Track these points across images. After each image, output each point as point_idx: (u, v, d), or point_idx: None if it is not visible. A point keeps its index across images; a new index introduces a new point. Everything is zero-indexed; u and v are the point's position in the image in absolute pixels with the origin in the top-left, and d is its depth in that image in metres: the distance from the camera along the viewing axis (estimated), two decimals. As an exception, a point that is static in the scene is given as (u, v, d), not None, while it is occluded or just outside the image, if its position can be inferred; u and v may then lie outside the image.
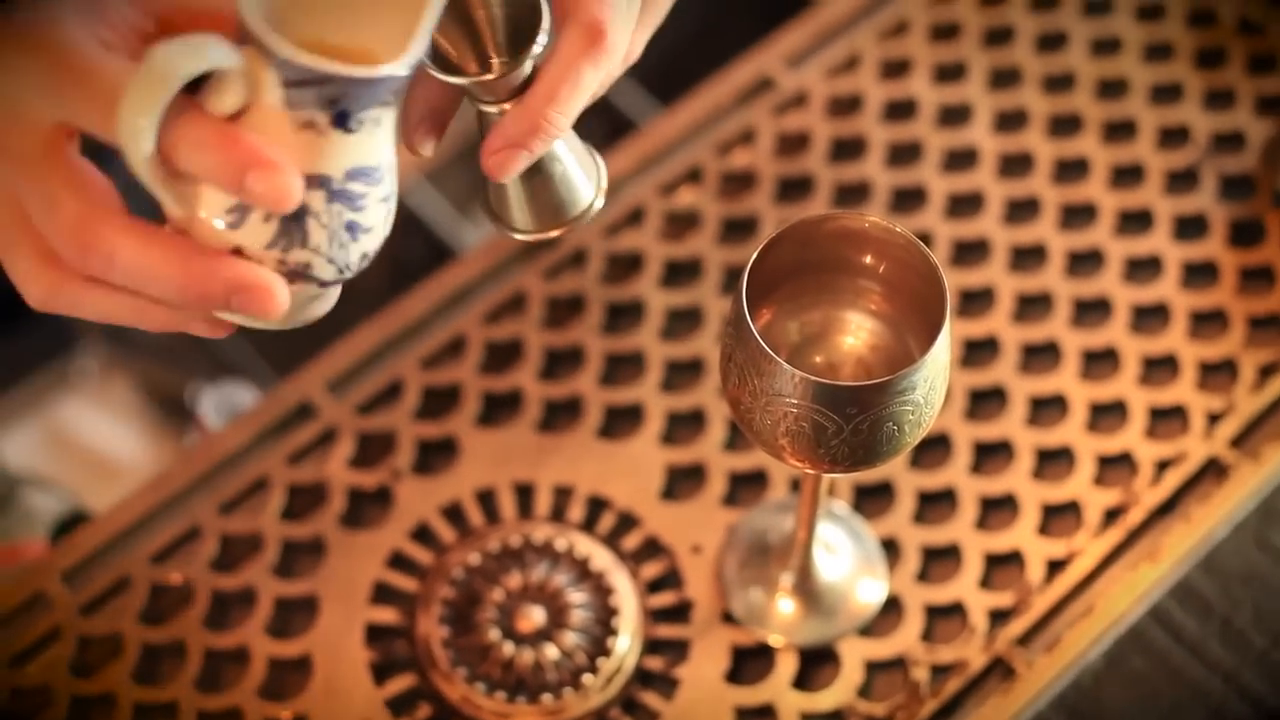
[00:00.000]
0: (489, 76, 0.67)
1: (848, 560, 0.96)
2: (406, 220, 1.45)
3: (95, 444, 1.47)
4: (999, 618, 0.95)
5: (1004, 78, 1.16)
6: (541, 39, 0.67)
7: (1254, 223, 1.09)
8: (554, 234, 0.75)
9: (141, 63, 0.57)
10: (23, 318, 1.43)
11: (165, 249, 0.61)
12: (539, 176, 0.72)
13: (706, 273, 1.07)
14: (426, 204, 1.48)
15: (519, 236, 0.75)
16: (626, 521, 0.99)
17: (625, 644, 0.94)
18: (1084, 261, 1.08)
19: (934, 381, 0.74)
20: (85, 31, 0.61)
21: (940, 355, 0.73)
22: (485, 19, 0.69)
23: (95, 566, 0.97)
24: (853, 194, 1.11)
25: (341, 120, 0.61)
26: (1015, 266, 1.08)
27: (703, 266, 1.08)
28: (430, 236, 1.47)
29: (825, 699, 0.93)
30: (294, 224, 0.62)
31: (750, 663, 0.95)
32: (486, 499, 1.00)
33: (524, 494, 1.00)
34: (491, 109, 0.69)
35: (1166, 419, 1.02)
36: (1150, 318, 1.06)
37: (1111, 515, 0.98)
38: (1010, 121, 1.14)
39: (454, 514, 0.99)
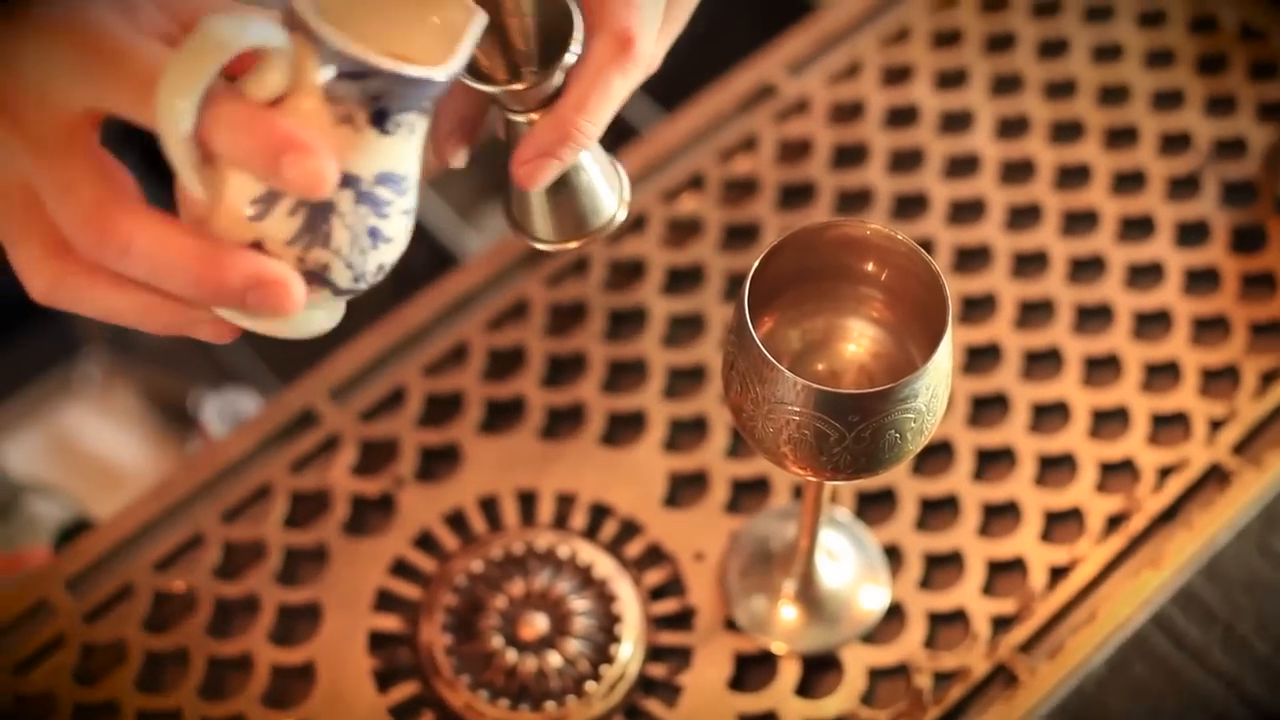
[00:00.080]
0: (521, 85, 0.68)
1: (850, 567, 0.96)
2: (408, 227, 1.45)
3: (98, 451, 1.47)
4: (1001, 624, 0.95)
5: (1005, 84, 1.16)
6: (575, 48, 0.67)
7: (1256, 229, 1.09)
8: (575, 245, 0.75)
9: (191, 34, 0.57)
10: (26, 324, 1.43)
11: (184, 239, 0.60)
12: (564, 187, 0.72)
13: (709, 279, 1.07)
14: (429, 211, 1.49)
15: (540, 246, 0.75)
16: (629, 529, 0.99)
17: (628, 651, 0.94)
18: (1086, 268, 1.08)
19: (936, 389, 0.74)
20: (117, 17, 0.61)
21: (942, 363, 0.74)
22: (517, 28, 0.70)
23: (98, 574, 0.98)
24: (854, 200, 1.11)
25: (380, 119, 0.61)
26: (1017, 273, 1.08)
27: (705, 273, 1.08)
28: (433, 243, 1.47)
29: (828, 706, 0.93)
30: (319, 221, 0.61)
31: (753, 670, 0.95)
32: (489, 506, 1.00)
33: (526, 501, 1.00)
34: (520, 118, 0.69)
35: (1168, 425, 1.02)
36: (1152, 324, 1.06)
37: (1114, 522, 0.98)
38: (1012, 128, 1.14)
39: (457, 521, 1.00)
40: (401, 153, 0.63)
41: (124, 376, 1.49)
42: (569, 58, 0.67)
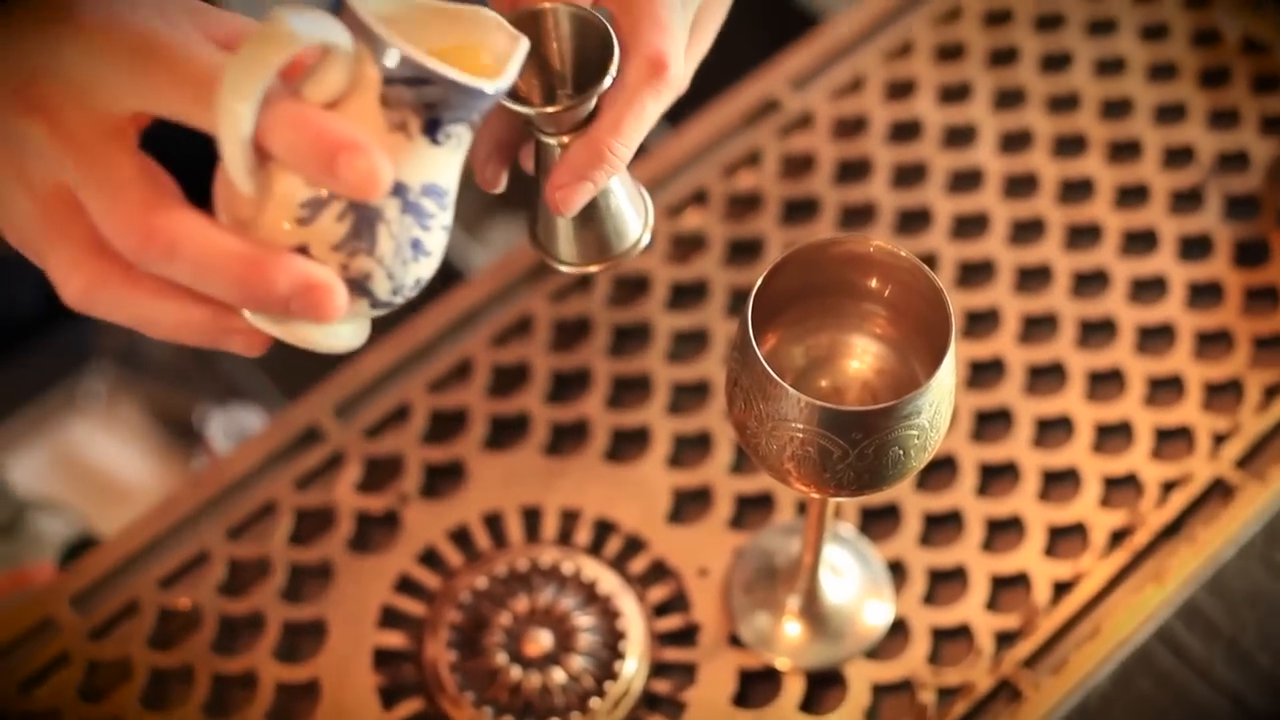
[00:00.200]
0: (557, 108, 0.68)
1: (854, 583, 0.96)
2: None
3: (103, 466, 1.47)
4: (1005, 640, 0.95)
5: (1008, 98, 1.17)
6: (613, 71, 0.68)
7: (1259, 243, 1.09)
8: (599, 268, 0.75)
9: (261, 25, 0.57)
10: (31, 339, 1.44)
11: (230, 241, 0.59)
12: (591, 210, 0.73)
13: (713, 295, 1.07)
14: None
15: (564, 269, 0.75)
16: (633, 545, 0.99)
17: (632, 667, 0.94)
18: (1089, 282, 1.08)
19: (939, 405, 0.74)
20: (161, 22, 0.61)
21: (945, 379, 0.74)
22: (554, 51, 0.70)
23: (104, 591, 0.98)
24: (858, 215, 1.11)
25: (432, 129, 0.61)
26: (1020, 287, 1.08)
27: (709, 288, 1.08)
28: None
29: (832, 722, 0.94)
30: (365, 227, 0.61)
31: (757, 686, 0.95)
32: (494, 522, 1.00)
33: (531, 517, 1.00)
34: (552, 140, 0.70)
35: (1172, 440, 1.02)
36: (1155, 338, 1.06)
37: (1117, 537, 0.98)
38: (1015, 142, 1.15)
39: (461, 538, 1.00)
40: (447, 165, 0.63)
41: (129, 392, 1.49)
42: (606, 81, 0.68)
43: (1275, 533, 0.99)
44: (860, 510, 1.00)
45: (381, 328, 1.05)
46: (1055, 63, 1.18)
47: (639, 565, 0.98)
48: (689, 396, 1.04)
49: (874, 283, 0.79)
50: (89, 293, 0.61)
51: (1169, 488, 1.00)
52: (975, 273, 1.09)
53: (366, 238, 0.61)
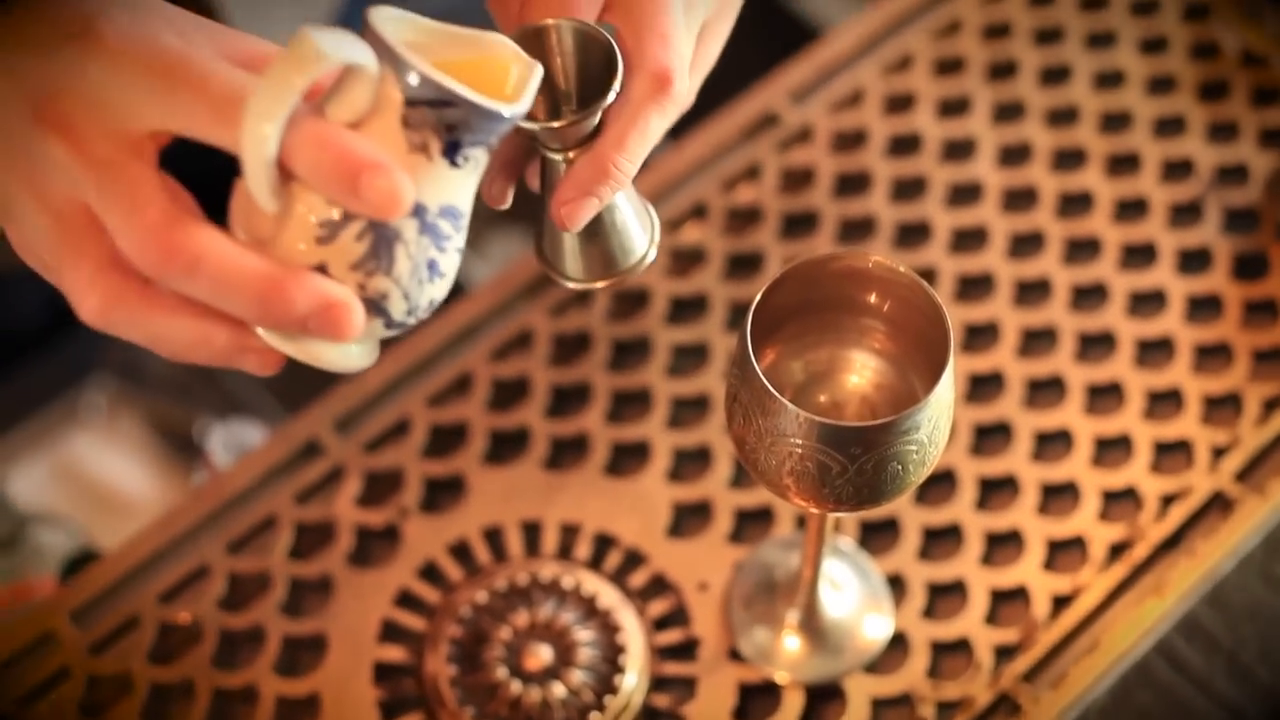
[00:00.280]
0: (562, 124, 0.68)
1: (853, 597, 0.96)
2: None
3: (104, 480, 1.47)
4: (1004, 654, 0.95)
5: (1008, 112, 1.17)
6: (617, 87, 0.68)
7: (1258, 256, 1.10)
8: (605, 284, 0.75)
9: (288, 46, 0.58)
10: (32, 352, 1.44)
11: (251, 259, 0.60)
12: (597, 226, 0.73)
13: (712, 309, 1.08)
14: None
15: (570, 285, 0.75)
16: (633, 559, 0.99)
17: (632, 682, 0.94)
18: (1088, 296, 1.08)
19: (938, 421, 0.75)
20: (182, 43, 0.61)
21: (944, 395, 0.74)
22: (559, 67, 0.70)
23: (104, 605, 0.98)
24: (857, 229, 1.11)
25: (451, 151, 0.62)
26: (1019, 301, 1.08)
27: (708, 303, 1.08)
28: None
29: (832, 736, 0.94)
30: (384, 247, 0.62)
31: (757, 700, 0.95)
32: (494, 537, 1.00)
33: (531, 532, 1.00)
34: (557, 156, 0.70)
35: (1171, 453, 1.02)
36: (1155, 352, 1.06)
37: (1117, 550, 0.98)
38: (1014, 156, 1.15)
39: (461, 552, 1.00)
40: (463, 188, 0.64)
41: (130, 405, 1.50)
42: (611, 96, 0.68)
43: (1275, 546, 1.00)
44: (860, 524, 1.00)
45: (382, 342, 1.05)
46: (1054, 76, 1.19)
47: (639, 579, 0.98)
48: (689, 411, 1.04)
49: (873, 298, 0.79)
50: (106, 310, 0.61)
51: (1168, 501, 1.00)
52: (974, 286, 1.09)
53: (385, 257, 0.62)
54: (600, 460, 1.02)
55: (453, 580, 0.98)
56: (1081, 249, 1.10)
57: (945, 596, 0.98)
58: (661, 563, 0.99)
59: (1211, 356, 1.06)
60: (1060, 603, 0.97)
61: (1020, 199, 1.13)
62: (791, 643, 0.95)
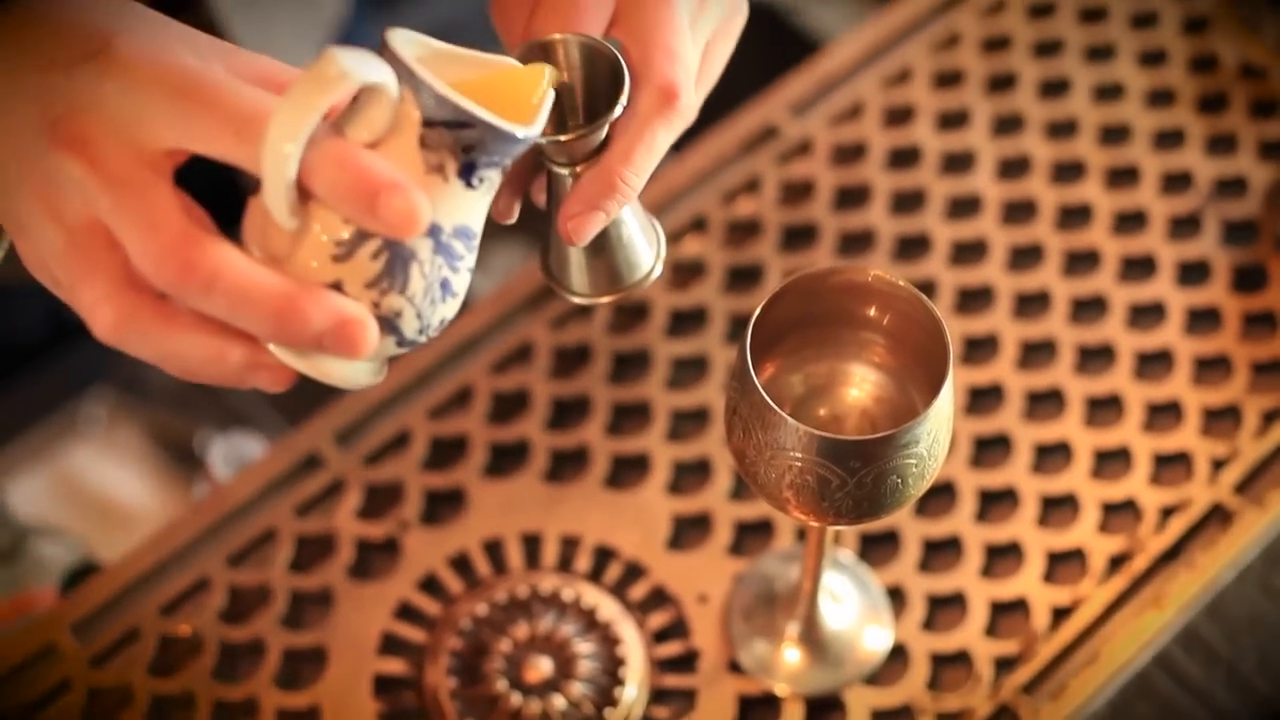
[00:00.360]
0: (569, 137, 0.69)
1: (853, 609, 0.97)
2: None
3: (104, 492, 1.47)
4: (1004, 666, 0.96)
5: (1007, 124, 1.17)
6: (624, 100, 0.68)
7: (1257, 268, 1.10)
8: (611, 299, 0.76)
9: (312, 66, 0.58)
10: (32, 364, 1.44)
11: (267, 276, 0.60)
12: (603, 240, 0.73)
13: (712, 321, 1.08)
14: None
15: (576, 300, 0.76)
16: (633, 571, 0.99)
17: (632, 694, 0.94)
18: (1087, 308, 1.08)
19: (937, 434, 0.75)
20: (199, 62, 0.62)
21: (943, 408, 0.74)
22: (565, 82, 0.70)
23: (105, 618, 0.98)
24: (857, 242, 1.11)
25: (467, 172, 0.63)
26: (1019, 313, 1.08)
27: (708, 315, 1.08)
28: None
29: (832, 748, 0.94)
30: (399, 266, 0.62)
31: (757, 712, 0.95)
32: (494, 549, 1.00)
33: (531, 544, 1.00)
34: (564, 170, 0.70)
35: (1171, 465, 1.02)
36: (1154, 364, 1.06)
37: (1116, 562, 0.99)
38: (1013, 168, 1.15)
39: (462, 564, 1.00)
40: (477, 209, 0.65)
41: (131, 417, 1.50)
42: (617, 110, 0.68)
43: (1274, 558, 1.00)
44: (860, 536, 1.00)
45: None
46: (1054, 88, 1.19)
47: (639, 591, 0.98)
48: (689, 423, 1.05)
49: (872, 312, 0.79)
50: (120, 326, 0.61)
51: (1168, 513, 1.00)
52: (974, 298, 1.09)
53: (399, 276, 0.62)
54: (600, 473, 1.02)
55: (453, 593, 0.98)
56: (1081, 261, 1.10)
57: (945, 608, 0.98)
58: (661, 575, 0.99)
59: (1211, 369, 1.06)
60: (1060, 614, 0.97)
61: (1020, 211, 1.13)
62: (791, 655, 0.95)
